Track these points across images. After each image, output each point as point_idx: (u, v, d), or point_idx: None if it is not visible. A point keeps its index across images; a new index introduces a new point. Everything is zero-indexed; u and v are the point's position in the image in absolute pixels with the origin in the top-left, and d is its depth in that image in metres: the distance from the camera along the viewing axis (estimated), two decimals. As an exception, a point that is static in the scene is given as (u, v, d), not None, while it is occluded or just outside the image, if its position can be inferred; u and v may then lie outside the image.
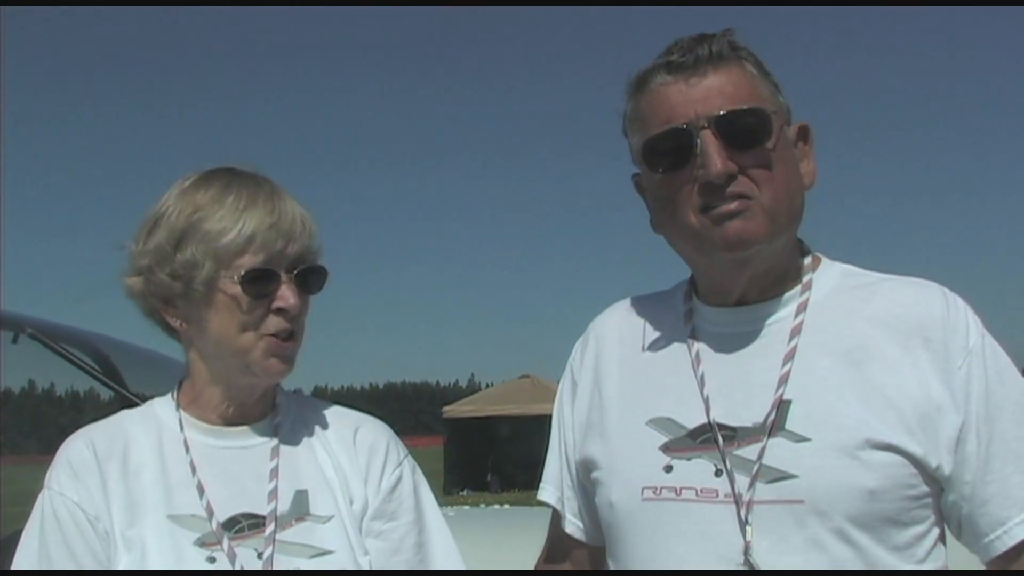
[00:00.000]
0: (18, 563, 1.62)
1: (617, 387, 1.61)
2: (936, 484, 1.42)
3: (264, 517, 1.63)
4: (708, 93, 1.47)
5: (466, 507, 6.91)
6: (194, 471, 1.65)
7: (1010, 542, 1.41)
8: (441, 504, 1.88)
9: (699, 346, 1.56)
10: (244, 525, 1.62)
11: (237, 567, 1.57)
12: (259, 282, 1.62)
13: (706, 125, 1.44)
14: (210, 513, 1.61)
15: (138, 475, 1.65)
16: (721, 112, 1.45)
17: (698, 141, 1.44)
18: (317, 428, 1.76)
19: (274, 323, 1.64)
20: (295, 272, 1.65)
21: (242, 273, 1.61)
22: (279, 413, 1.75)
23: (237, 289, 1.62)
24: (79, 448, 1.66)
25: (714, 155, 1.43)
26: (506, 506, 7.03)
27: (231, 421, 1.71)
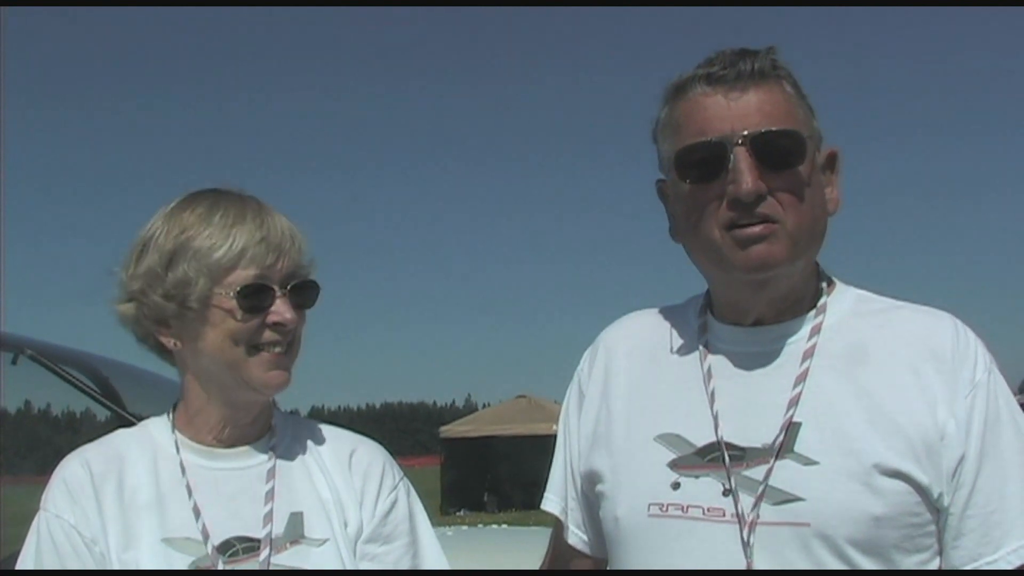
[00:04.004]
0: None
1: (625, 400, 1.61)
2: (937, 513, 1.42)
3: (259, 540, 1.62)
4: (747, 109, 1.45)
5: (463, 527, 6.90)
6: (190, 494, 1.65)
7: None
8: (438, 524, 1.89)
9: (711, 362, 1.55)
10: (239, 549, 1.62)
11: None
12: (254, 296, 1.63)
13: (741, 141, 1.43)
14: (205, 536, 1.61)
15: (133, 497, 1.64)
16: (758, 130, 1.44)
17: (732, 156, 1.43)
18: (313, 449, 1.76)
19: (269, 336, 1.64)
20: (289, 287, 1.66)
21: (238, 288, 1.62)
22: (275, 434, 1.75)
23: (233, 303, 1.62)
24: (74, 469, 1.65)
25: (746, 172, 1.42)
26: (503, 526, 7.02)
27: (227, 442, 1.71)
